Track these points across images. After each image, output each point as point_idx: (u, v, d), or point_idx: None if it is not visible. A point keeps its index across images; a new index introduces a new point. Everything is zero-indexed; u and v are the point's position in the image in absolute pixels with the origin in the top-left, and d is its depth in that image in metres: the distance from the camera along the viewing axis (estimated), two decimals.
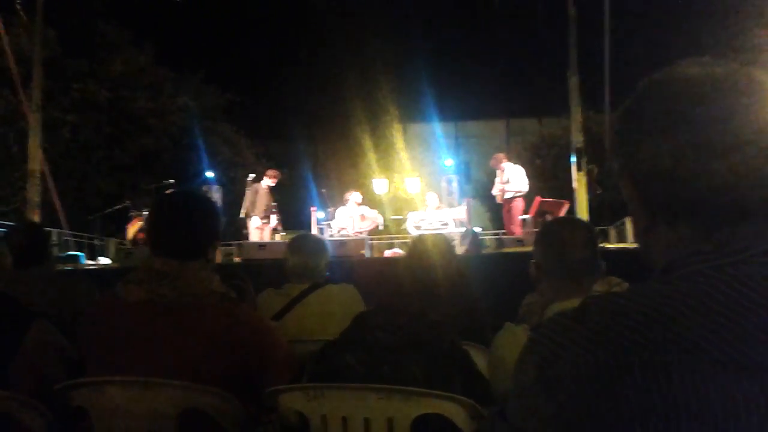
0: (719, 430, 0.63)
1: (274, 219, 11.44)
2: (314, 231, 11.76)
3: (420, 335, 1.82)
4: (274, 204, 11.52)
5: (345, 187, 14.18)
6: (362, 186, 14.39)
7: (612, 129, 0.89)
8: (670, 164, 0.76)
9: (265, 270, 6.33)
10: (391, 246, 13.59)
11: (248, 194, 11.23)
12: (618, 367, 0.67)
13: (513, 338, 1.89)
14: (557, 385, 0.71)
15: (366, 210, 11.63)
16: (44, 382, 1.84)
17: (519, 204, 10.42)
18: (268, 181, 11.27)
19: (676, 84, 0.79)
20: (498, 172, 10.79)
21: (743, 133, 0.73)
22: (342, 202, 12.06)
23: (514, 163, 10.83)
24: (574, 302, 1.68)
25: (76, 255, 10.55)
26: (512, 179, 10.43)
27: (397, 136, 26.00)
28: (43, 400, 1.77)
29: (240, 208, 11.42)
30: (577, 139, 11.64)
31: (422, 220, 11.46)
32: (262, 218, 11.06)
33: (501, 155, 11.02)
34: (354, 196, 11.54)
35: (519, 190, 10.39)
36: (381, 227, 12.32)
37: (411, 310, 1.93)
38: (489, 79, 27.55)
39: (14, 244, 3.05)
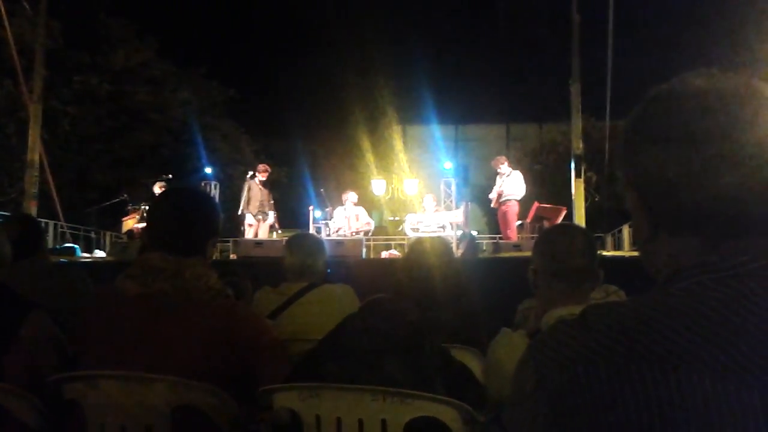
0: None
1: (271, 216, 11.39)
2: (311, 230, 11.78)
3: (399, 338, 1.81)
4: (272, 202, 11.47)
5: (343, 187, 14.21)
6: (360, 187, 14.43)
7: (617, 138, 0.89)
8: (675, 175, 0.76)
9: (260, 268, 6.32)
10: (388, 247, 13.60)
11: (243, 192, 11.22)
12: (618, 377, 0.67)
13: (509, 344, 1.89)
14: (557, 393, 0.71)
15: (361, 211, 11.67)
16: (39, 374, 1.83)
17: (513, 208, 10.40)
18: (258, 177, 11.23)
19: (683, 96, 0.79)
20: (498, 174, 10.80)
21: (749, 146, 0.73)
22: (340, 202, 12.09)
23: (514, 168, 10.84)
24: (571, 309, 1.68)
25: (71, 247, 10.54)
26: (508, 183, 10.43)
27: (396, 137, 26.02)
28: (37, 393, 1.76)
29: (237, 205, 11.41)
30: (577, 145, 11.65)
31: (420, 222, 11.49)
32: (255, 215, 11.03)
33: (502, 158, 11.03)
34: (350, 196, 11.58)
35: (513, 194, 10.37)
36: (370, 232, 12.38)
37: (391, 313, 1.93)
38: (490, 82, 27.67)
39: (6, 235, 3.04)
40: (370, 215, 12.30)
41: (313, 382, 1.73)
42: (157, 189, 11.35)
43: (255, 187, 11.12)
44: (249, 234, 10.92)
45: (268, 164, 11.86)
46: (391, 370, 1.72)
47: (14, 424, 1.74)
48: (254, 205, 11.04)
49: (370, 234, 12.28)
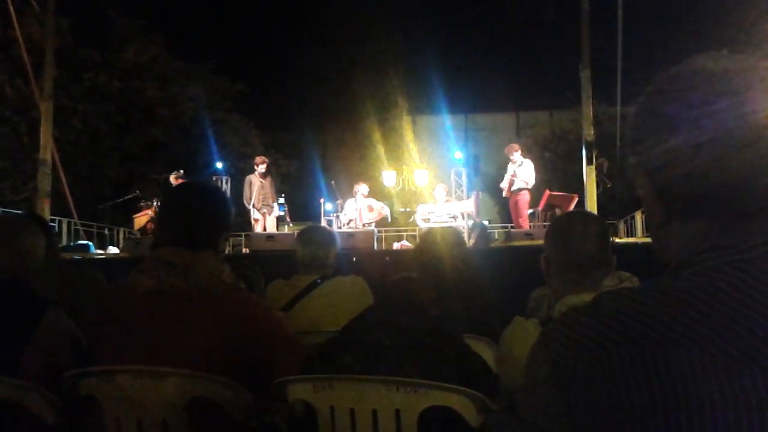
0: (733, 425, 0.63)
1: (276, 207, 11.32)
2: (322, 222, 11.79)
3: (419, 334, 1.81)
4: (280, 195, 11.38)
5: (354, 179, 14.20)
6: (371, 178, 14.42)
7: (627, 123, 0.88)
8: (686, 159, 0.75)
9: (272, 261, 6.34)
10: (399, 238, 13.61)
11: (245, 188, 11.18)
12: (631, 363, 0.67)
13: (522, 332, 1.89)
14: (569, 380, 0.71)
15: (373, 201, 11.65)
16: (56, 371, 1.85)
17: (525, 197, 10.38)
18: (257, 169, 11.10)
19: (693, 78, 0.78)
20: (509, 162, 10.77)
21: (760, 127, 0.72)
22: (351, 194, 12.08)
23: (525, 157, 10.80)
24: (584, 296, 1.67)
25: (85, 244, 10.61)
26: (520, 172, 10.40)
27: (407, 128, 25.93)
28: (54, 389, 1.78)
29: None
30: (588, 132, 11.57)
31: (431, 212, 11.47)
32: (259, 209, 10.99)
33: (516, 145, 10.99)
34: (361, 188, 11.55)
35: (525, 183, 10.34)
36: (388, 218, 12.35)
37: (413, 307, 1.93)
38: (499, 71, 27.48)
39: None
40: None
41: (327, 373, 1.74)
42: (173, 180, 11.39)
43: (255, 181, 11.00)
44: (257, 229, 10.88)
45: (265, 155, 11.76)
46: (408, 366, 1.73)
47: (32, 420, 1.76)
48: (257, 199, 10.94)
49: (388, 219, 12.23)
